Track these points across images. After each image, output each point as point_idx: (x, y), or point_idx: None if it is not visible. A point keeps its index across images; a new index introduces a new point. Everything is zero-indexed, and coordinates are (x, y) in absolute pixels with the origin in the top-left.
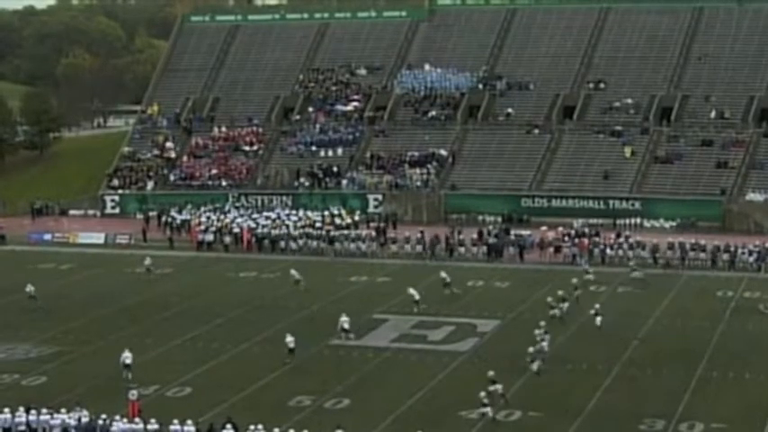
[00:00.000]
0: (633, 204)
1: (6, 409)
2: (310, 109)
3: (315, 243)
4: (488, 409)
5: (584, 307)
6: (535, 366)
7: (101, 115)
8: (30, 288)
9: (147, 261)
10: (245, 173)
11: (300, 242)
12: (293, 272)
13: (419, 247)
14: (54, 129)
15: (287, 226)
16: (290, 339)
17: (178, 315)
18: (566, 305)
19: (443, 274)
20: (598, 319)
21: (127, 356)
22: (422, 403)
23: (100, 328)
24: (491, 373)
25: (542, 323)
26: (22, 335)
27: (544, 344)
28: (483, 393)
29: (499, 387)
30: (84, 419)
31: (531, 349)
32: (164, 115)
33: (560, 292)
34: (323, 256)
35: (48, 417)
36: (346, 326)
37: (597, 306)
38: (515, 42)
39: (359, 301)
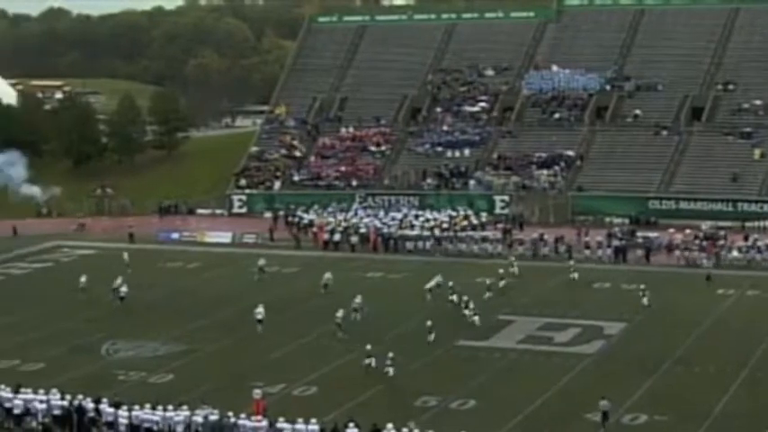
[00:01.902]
0: (762, 207)
1: (135, 406)
2: (438, 109)
3: (440, 244)
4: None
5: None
6: (432, 337)
7: (229, 115)
8: (119, 281)
9: (261, 261)
10: (372, 173)
11: (427, 243)
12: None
13: (546, 249)
14: (182, 128)
15: (413, 226)
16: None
17: (304, 314)
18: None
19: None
20: (645, 299)
21: (259, 312)
22: (548, 405)
23: (227, 327)
24: (369, 346)
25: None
26: (151, 333)
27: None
28: (369, 347)
29: (373, 360)
30: (212, 417)
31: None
32: (291, 115)
33: (488, 281)
34: (449, 256)
35: (172, 414)
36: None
37: (642, 286)
38: (644, 43)
39: (485, 301)
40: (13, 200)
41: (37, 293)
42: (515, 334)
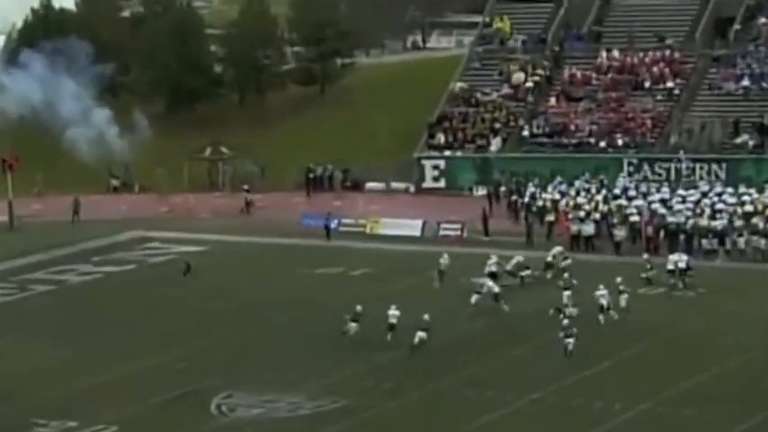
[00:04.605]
0: None
1: None
2: (761, 21)
3: (763, 241)
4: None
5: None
6: (571, 345)
7: (418, 30)
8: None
9: (517, 258)
10: (651, 125)
11: (740, 239)
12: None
13: None
14: (343, 52)
15: (717, 213)
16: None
17: (533, 355)
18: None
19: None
20: None
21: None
22: None
23: (411, 372)
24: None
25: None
26: (288, 379)
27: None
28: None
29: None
30: None
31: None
32: (518, 31)
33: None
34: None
35: None
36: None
37: None
38: None
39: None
40: (73, 153)
41: (108, 314)
42: None
